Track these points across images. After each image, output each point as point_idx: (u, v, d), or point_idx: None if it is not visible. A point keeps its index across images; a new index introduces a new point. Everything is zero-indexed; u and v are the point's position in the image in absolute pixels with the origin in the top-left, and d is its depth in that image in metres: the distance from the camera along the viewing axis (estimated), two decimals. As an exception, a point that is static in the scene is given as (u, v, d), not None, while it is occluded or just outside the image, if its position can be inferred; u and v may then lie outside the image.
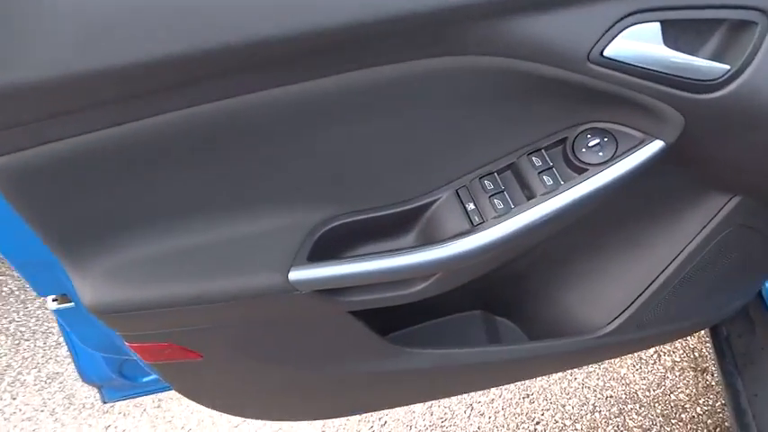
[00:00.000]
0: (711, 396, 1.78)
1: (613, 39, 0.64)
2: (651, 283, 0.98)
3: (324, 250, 0.77)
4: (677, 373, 1.83)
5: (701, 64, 0.66)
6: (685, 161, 0.78)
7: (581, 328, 1.06)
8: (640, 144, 0.74)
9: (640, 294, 1.00)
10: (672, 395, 1.80)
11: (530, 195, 0.77)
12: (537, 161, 0.77)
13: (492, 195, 0.77)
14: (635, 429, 1.73)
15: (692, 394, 1.79)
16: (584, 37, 0.64)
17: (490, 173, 0.79)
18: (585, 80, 0.67)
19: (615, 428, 1.74)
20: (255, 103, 0.67)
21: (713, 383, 1.80)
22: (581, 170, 0.75)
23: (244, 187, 0.75)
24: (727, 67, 0.66)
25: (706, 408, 1.76)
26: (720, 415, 1.73)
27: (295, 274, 0.75)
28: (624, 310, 1.02)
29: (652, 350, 1.87)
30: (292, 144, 0.73)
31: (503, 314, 1.17)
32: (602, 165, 0.74)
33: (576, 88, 0.69)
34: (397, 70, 0.69)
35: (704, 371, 1.83)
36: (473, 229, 0.76)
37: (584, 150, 0.75)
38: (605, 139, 0.75)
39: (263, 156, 0.72)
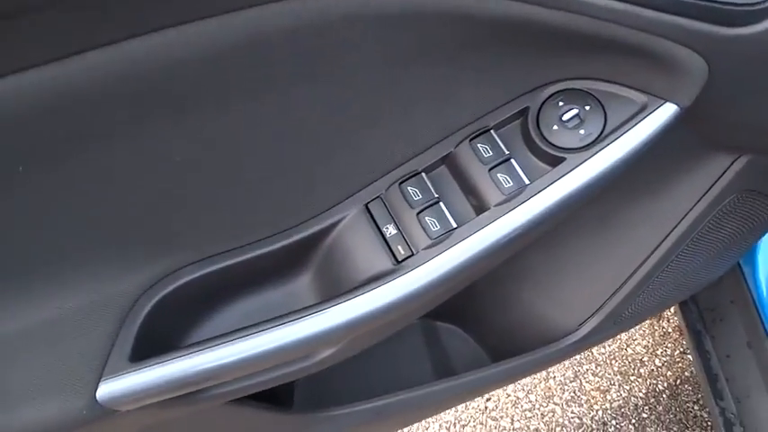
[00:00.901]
0: (669, 345, 1.65)
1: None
2: (637, 270, 0.75)
3: (161, 332, 0.47)
4: (632, 324, 1.68)
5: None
6: (696, 119, 0.52)
7: (548, 332, 0.83)
8: (642, 111, 0.47)
9: (621, 286, 0.77)
10: (628, 348, 1.65)
11: (479, 205, 0.49)
12: (485, 149, 0.49)
13: (421, 210, 0.49)
14: (592, 392, 1.59)
15: (649, 345, 1.66)
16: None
17: (415, 173, 0.50)
18: (556, 17, 0.39)
19: (572, 394, 1.59)
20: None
21: (670, 330, 1.67)
22: (555, 159, 0.48)
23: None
24: None
25: (664, 359, 1.63)
26: (680, 365, 1.61)
27: (107, 389, 0.45)
28: (600, 308, 0.79)
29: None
30: (86, 157, 0.41)
31: (447, 319, 0.92)
32: (587, 149, 0.47)
33: (543, 30, 0.41)
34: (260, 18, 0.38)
35: (660, 317, 1.69)
36: (397, 267, 0.49)
37: (555, 128, 0.48)
38: (587, 108, 0.48)
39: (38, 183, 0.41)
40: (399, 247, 0.49)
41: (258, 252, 0.50)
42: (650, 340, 1.69)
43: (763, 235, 0.92)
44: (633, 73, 0.46)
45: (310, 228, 0.51)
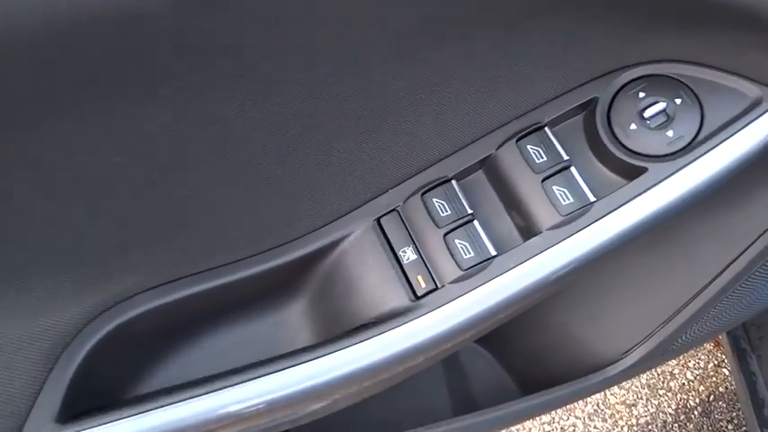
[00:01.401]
0: (703, 357, 1.53)
1: None
2: (695, 296, 0.64)
3: (102, 380, 0.36)
4: (664, 334, 1.57)
5: None
6: None
7: (584, 360, 0.72)
8: (755, 109, 0.35)
9: (677, 312, 0.66)
10: (657, 359, 1.53)
11: (527, 227, 0.37)
12: (537, 153, 0.37)
13: (451, 230, 0.37)
14: (617, 407, 1.48)
15: (681, 357, 1.53)
16: None
17: (444, 180, 0.38)
18: None
19: (595, 407, 1.48)
20: None
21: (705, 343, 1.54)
22: (631, 170, 0.36)
23: None
24: None
25: (697, 372, 1.52)
26: (714, 379, 1.50)
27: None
28: (649, 336, 0.68)
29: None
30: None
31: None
32: (676, 157, 0.35)
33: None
34: None
35: (694, 328, 1.57)
36: (415, 305, 0.37)
37: (633, 127, 0.36)
38: (677, 101, 0.36)
39: None
40: (420, 278, 0.37)
41: (237, 276, 0.39)
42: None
43: None
44: (745, 54, 0.34)
45: (305, 247, 0.39)
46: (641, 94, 0.36)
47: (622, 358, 0.69)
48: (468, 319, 0.36)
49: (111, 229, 0.35)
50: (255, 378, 0.36)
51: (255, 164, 0.37)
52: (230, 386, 0.36)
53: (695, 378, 1.53)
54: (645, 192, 0.35)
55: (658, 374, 1.53)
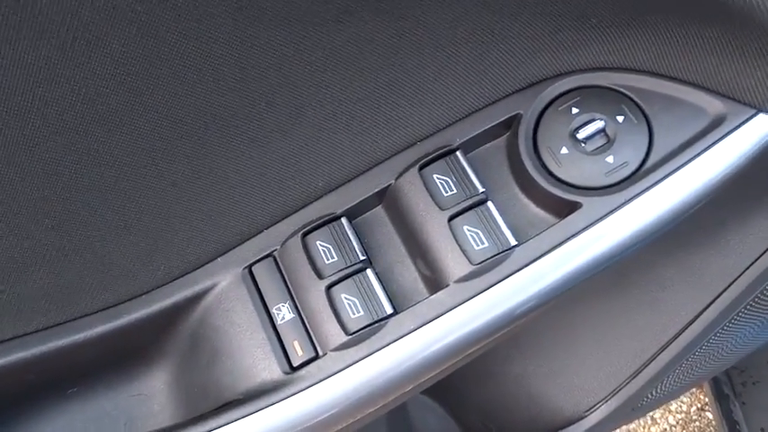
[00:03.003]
0: (685, 400, 1.47)
1: None
2: (664, 347, 0.59)
3: None
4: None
5: None
6: None
7: (543, 418, 0.65)
8: (717, 128, 0.27)
9: (645, 365, 0.60)
10: (637, 403, 1.47)
11: (433, 278, 0.29)
12: (444, 184, 0.29)
13: (337, 282, 0.29)
14: (596, 453, 1.39)
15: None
16: None
17: (331, 217, 0.31)
18: None
19: (572, 455, 1.40)
20: None
21: (686, 383, 1.48)
22: (562, 205, 0.28)
23: None
24: None
25: (679, 416, 1.45)
26: (697, 423, 1.43)
27: None
28: (615, 391, 0.62)
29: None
30: None
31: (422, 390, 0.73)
32: (617, 189, 0.28)
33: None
34: None
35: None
36: (290, 378, 0.29)
37: (564, 151, 0.28)
38: (620, 119, 0.28)
39: None
40: (296, 344, 0.29)
41: (80, 336, 0.31)
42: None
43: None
44: (705, 60, 0.26)
45: (160, 300, 0.31)
46: (574, 110, 0.29)
47: (585, 416, 0.61)
48: (356, 398, 0.28)
49: None
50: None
51: (95, 200, 0.29)
52: None
53: (677, 423, 1.46)
54: (579, 233, 0.27)
55: (638, 420, 1.47)
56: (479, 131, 0.30)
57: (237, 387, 0.31)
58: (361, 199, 0.31)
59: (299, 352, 0.30)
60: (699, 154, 0.27)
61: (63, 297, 0.31)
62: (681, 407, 1.48)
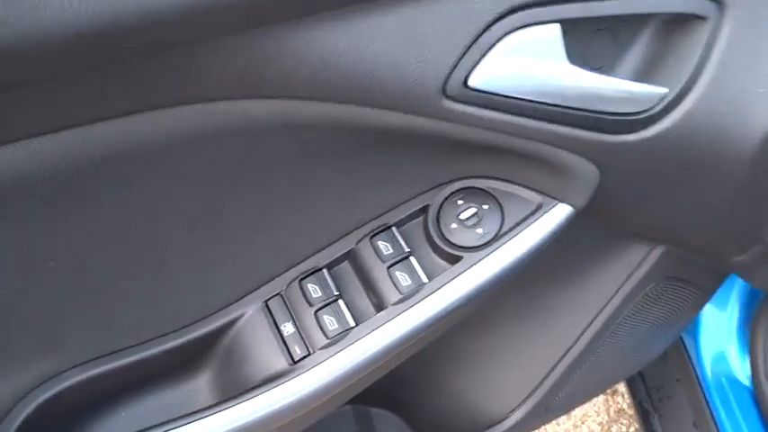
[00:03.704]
0: (624, 421, 1.62)
1: (483, 57, 0.37)
2: (563, 357, 0.75)
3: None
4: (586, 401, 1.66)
5: (626, 89, 0.41)
6: (598, 216, 0.53)
7: (479, 419, 0.81)
8: (537, 212, 0.47)
9: (550, 372, 0.76)
10: (583, 426, 1.62)
11: (379, 304, 0.48)
12: (385, 247, 0.48)
13: (320, 308, 0.48)
14: (542, 472, 1.53)
15: (604, 422, 1.63)
16: (431, 58, 0.36)
17: (316, 269, 0.49)
18: (443, 127, 0.40)
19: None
20: None
21: (624, 406, 1.64)
22: (453, 258, 0.48)
23: None
24: (664, 90, 0.41)
25: (617, 435, 1.60)
26: (631, 440, 1.58)
27: None
28: (530, 395, 0.78)
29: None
30: None
31: (381, 405, 0.90)
32: (483, 248, 0.47)
33: (431, 138, 0.42)
34: (138, 126, 0.38)
35: (615, 392, 1.67)
36: (293, 368, 0.47)
37: (454, 226, 0.48)
38: (485, 207, 0.48)
39: None
40: (296, 347, 0.47)
41: (152, 351, 0.48)
42: (605, 417, 1.66)
43: (691, 318, 0.93)
44: (529, 175, 0.47)
45: (208, 326, 0.49)
46: (459, 202, 0.48)
47: (510, 416, 0.78)
48: (334, 378, 0.46)
49: (42, 316, 0.44)
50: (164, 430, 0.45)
51: (169, 261, 0.47)
52: None
53: None
54: (461, 273, 0.46)
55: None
56: (406, 215, 0.49)
57: (257, 378, 0.49)
58: (334, 257, 0.50)
59: (297, 352, 0.48)
60: (528, 225, 0.47)
61: (148, 323, 0.49)
62: (621, 428, 1.64)
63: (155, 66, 0.32)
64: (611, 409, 1.68)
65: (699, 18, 0.39)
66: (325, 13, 0.32)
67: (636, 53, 0.41)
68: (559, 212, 0.47)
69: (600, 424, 1.65)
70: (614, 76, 0.41)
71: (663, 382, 1.25)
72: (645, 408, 1.26)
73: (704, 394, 1.15)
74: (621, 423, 1.64)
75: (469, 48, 0.36)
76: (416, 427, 0.87)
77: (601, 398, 1.71)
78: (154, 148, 0.39)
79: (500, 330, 0.74)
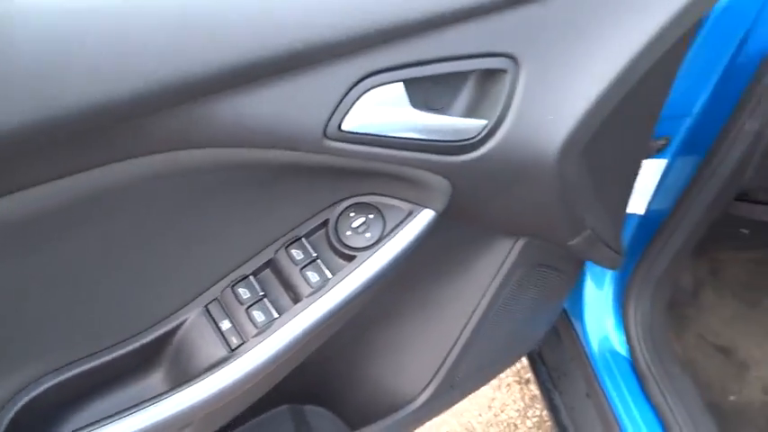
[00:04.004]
0: (538, 406, 1.81)
1: (351, 108, 0.52)
2: (457, 340, 0.90)
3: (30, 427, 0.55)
4: (504, 391, 1.84)
5: (456, 123, 0.57)
6: (462, 217, 0.69)
7: (396, 401, 0.95)
8: (408, 217, 0.63)
9: (448, 354, 0.91)
10: (503, 414, 1.79)
11: (295, 298, 0.62)
12: (298, 254, 0.63)
13: (250, 306, 0.61)
14: (473, 460, 1.68)
15: (521, 408, 1.81)
16: (313, 111, 0.51)
17: (244, 277, 0.63)
18: (327, 160, 0.55)
19: (455, 464, 1.68)
20: None
21: (537, 393, 1.82)
22: (349, 257, 0.63)
23: None
24: (485, 121, 0.58)
25: (535, 419, 1.78)
26: (548, 423, 1.76)
27: None
28: (435, 375, 0.93)
29: (477, 372, 1.86)
30: None
31: (313, 402, 1.02)
32: (372, 247, 0.62)
33: (323, 168, 0.57)
34: (98, 177, 0.50)
35: (528, 381, 1.86)
36: (231, 354, 0.60)
37: (348, 233, 0.63)
38: (371, 216, 0.63)
39: None
40: (233, 338, 0.60)
41: (113, 355, 0.60)
42: (521, 404, 1.84)
43: (563, 298, 1.12)
44: (400, 189, 0.62)
45: (158, 330, 0.61)
46: (351, 214, 0.63)
47: (421, 395, 0.93)
48: (266, 357, 0.59)
49: (23, 332, 0.55)
50: (126, 416, 0.56)
51: (121, 282, 0.59)
52: (109, 422, 0.56)
53: (534, 425, 1.78)
54: (356, 268, 0.61)
55: (504, 427, 1.77)
56: (312, 228, 0.63)
57: (203, 367, 0.61)
58: (258, 266, 0.63)
59: (234, 341, 0.60)
60: (403, 227, 0.62)
61: (108, 332, 0.60)
62: (535, 412, 1.81)
63: (103, 136, 0.45)
64: (527, 397, 1.86)
65: (502, 71, 0.57)
66: (236, 89, 0.47)
67: (463, 97, 0.57)
68: (425, 216, 0.62)
69: (517, 411, 1.83)
70: (449, 115, 0.57)
71: (559, 363, 1.43)
72: (547, 387, 1.43)
73: (593, 368, 1.34)
74: (536, 407, 1.82)
75: (340, 103, 0.51)
76: (345, 417, 1.00)
77: (516, 388, 1.89)
78: (106, 194, 0.51)
79: (403, 322, 0.88)
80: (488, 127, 0.58)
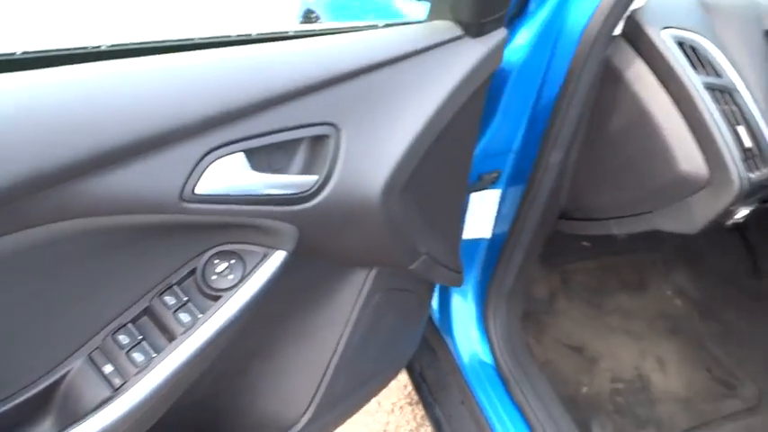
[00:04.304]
0: (429, 425, 1.93)
1: (201, 175, 0.64)
2: (329, 363, 1.01)
3: None
4: (397, 413, 1.96)
5: (293, 180, 0.71)
6: (313, 254, 0.83)
7: (282, 425, 1.05)
8: (264, 258, 0.75)
9: (322, 377, 1.02)
10: (397, 435, 1.90)
11: (171, 337, 0.72)
12: (170, 299, 0.73)
13: (130, 350, 0.71)
14: (373, 482, 1.77)
15: (414, 428, 1.93)
16: (169, 181, 0.63)
17: (123, 325, 0.72)
18: (188, 218, 0.66)
19: (357, 489, 1.76)
20: None
21: (427, 411, 1.96)
22: (216, 297, 0.74)
23: None
24: (316, 177, 0.72)
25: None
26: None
27: None
28: (313, 397, 1.04)
29: (373, 401, 1.97)
30: None
31: (204, 437, 1.10)
32: (235, 287, 0.74)
33: (187, 225, 0.68)
34: None
35: (417, 403, 1.99)
36: (115, 393, 0.69)
37: (214, 277, 0.74)
38: (233, 261, 0.75)
39: None
40: (116, 379, 0.69)
41: (4, 408, 0.67)
42: (414, 424, 1.96)
43: (422, 316, 1.27)
44: (255, 237, 0.75)
45: (46, 380, 0.69)
46: (216, 261, 0.74)
47: (303, 416, 1.03)
48: (148, 392, 0.69)
49: None
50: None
51: (7, 338, 0.66)
52: None
53: None
54: (221, 307, 0.72)
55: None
56: (182, 276, 0.73)
57: (90, 407, 0.69)
58: (135, 314, 0.72)
59: (117, 382, 0.69)
60: (260, 268, 0.75)
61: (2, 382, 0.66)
62: (427, 430, 1.95)
63: None
64: (418, 416, 2.00)
65: (326, 136, 0.72)
66: (102, 169, 0.58)
67: (298, 159, 0.72)
68: (279, 256, 0.75)
69: (410, 430, 1.95)
70: (287, 174, 0.71)
71: (438, 378, 1.58)
72: (428, 401, 1.58)
73: (464, 378, 1.50)
74: (427, 425, 1.95)
75: (192, 172, 0.63)
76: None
77: (408, 409, 2.02)
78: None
79: (279, 353, 0.99)
80: (320, 181, 0.72)
